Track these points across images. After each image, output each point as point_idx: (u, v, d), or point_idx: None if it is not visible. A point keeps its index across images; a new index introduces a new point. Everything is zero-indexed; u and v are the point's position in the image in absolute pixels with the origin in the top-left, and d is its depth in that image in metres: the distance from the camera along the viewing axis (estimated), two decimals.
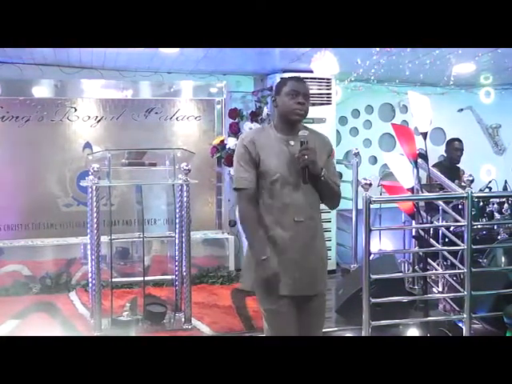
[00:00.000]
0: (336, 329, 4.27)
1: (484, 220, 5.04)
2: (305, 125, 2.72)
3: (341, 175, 6.41)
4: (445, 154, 6.38)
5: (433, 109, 3.96)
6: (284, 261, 2.58)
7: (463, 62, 5.50)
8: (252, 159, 2.61)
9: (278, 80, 2.82)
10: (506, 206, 4.99)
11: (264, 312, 2.65)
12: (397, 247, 5.89)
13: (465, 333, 3.60)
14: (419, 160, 4.12)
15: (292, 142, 2.65)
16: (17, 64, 5.37)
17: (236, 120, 5.77)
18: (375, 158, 6.81)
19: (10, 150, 5.55)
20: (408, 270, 5.28)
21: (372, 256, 3.54)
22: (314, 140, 2.67)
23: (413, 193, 3.92)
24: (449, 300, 4.33)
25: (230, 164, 4.83)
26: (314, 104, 5.88)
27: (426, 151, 4.09)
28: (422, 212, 4.10)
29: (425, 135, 3.93)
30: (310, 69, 5.36)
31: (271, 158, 2.61)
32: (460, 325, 3.78)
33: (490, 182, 5.45)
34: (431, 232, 4.65)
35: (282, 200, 2.59)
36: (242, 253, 5.46)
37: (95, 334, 4.02)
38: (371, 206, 3.45)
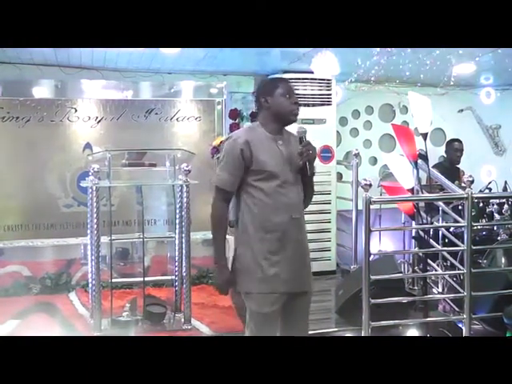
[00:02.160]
0: (336, 329, 4.28)
1: (484, 221, 5.04)
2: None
3: (341, 176, 6.43)
4: (445, 155, 6.38)
5: (433, 109, 3.96)
6: (283, 259, 2.62)
7: (463, 63, 5.50)
8: (243, 163, 2.60)
9: (267, 80, 2.82)
10: (506, 206, 4.98)
11: (254, 314, 2.65)
12: (397, 248, 5.88)
13: (465, 333, 3.60)
14: (419, 161, 4.12)
15: (280, 142, 2.69)
16: (17, 64, 5.38)
17: (236, 121, 5.77)
18: (375, 158, 6.81)
19: (11, 150, 5.55)
20: (408, 271, 5.27)
21: (372, 257, 3.54)
22: (294, 138, 2.74)
23: (413, 193, 3.92)
24: (449, 301, 4.33)
25: None
26: (314, 105, 5.89)
27: (426, 152, 4.09)
28: (421, 213, 4.09)
29: (425, 136, 3.93)
30: (310, 69, 5.36)
31: (266, 157, 2.62)
32: (460, 325, 3.78)
33: (489, 182, 5.45)
34: (431, 233, 4.65)
35: (279, 198, 2.62)
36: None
37: (95, 335, 4.02)
38: (371, 206, 3.45)
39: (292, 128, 2.78)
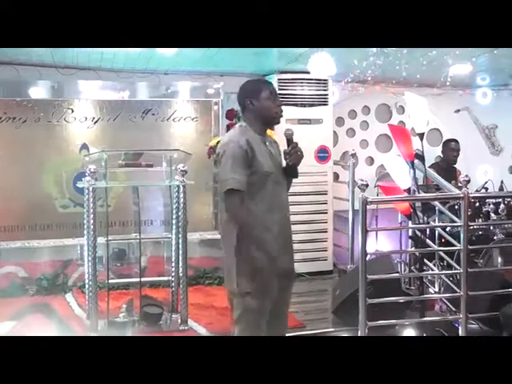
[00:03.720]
0: (332, 329, 4.28)
1: (480, 220, 5.05)
2: None
3: (337, 176, 6.44)
4: (441, 155, 6.39)
5: (429, 110, 3.96)
6: (282, 254, 2.71)
7: (460, 63, 5.51)
8: (248, 161, 2.62)
9: (250, 82, 2.86)
10: (502, 206, 4.99)
11: (252, 312, 2.66)
12: (393, 248, 5.89)
13: (461, 333, 3.61)
14: (416, 161, 4.13)
15: (267, 143, 2.77)
16: (14, 65, 5.36)
17: (233, 121, 5.77)
18: (372, 158, 6.82)
19: (7, 151, 5.53)
20: (404, 271, 5.28)
21: (368, 257, 3.55)
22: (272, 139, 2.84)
23: (409, 193, 3.93)
24: (445, 300, 4.33)
25: None
26: (311, 105, 5.90)
27: (422, 152, 4.09)
28: (418, 212, 4.10)
29: (421, 136, 3.93)
30: (306, 69, 5.36)
31: (262, 159, 2.67)
32: (456, 325, 3.79)
33: (486, 182, 5.46)
34: (428, 232, 4.66)
35: (274, 199, 2.69)
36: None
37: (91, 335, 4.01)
38: (368, 206, 3.46)
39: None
